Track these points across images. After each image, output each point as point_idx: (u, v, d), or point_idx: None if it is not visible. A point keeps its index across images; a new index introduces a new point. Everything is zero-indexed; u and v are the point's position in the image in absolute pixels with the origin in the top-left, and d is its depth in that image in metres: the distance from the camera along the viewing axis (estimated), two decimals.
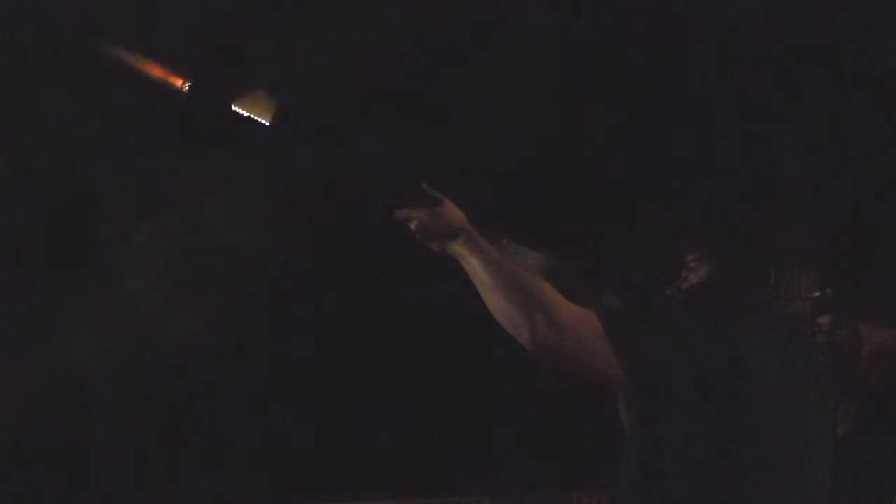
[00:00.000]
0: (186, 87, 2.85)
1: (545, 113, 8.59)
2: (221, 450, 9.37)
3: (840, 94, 8.47)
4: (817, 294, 3.16)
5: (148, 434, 9.19)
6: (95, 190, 8.94)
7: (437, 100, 8.78)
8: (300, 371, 9.32)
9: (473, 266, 2.59)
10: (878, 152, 8.57)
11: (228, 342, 8.90)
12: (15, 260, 8.86)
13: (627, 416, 2.75)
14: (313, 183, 8.67)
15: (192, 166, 8.84)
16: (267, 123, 3.02)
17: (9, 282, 8.85)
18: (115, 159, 8.92)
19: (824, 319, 3.18)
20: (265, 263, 8.80)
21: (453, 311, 9.60)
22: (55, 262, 8.89)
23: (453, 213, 2.66)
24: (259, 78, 8.95)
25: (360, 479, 9.18)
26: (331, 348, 9.30)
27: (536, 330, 2.47)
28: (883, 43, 8.42)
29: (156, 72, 2.75)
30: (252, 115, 2.91)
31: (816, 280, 2.62)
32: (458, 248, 2.63)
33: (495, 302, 2.56)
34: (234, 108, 2.95)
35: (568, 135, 8.75)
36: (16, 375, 8.74)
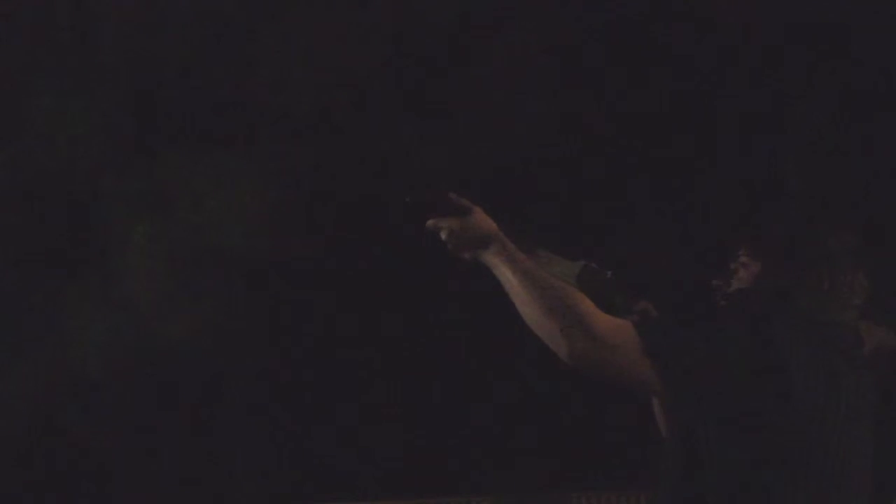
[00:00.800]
0: None
1: (569, 116, 8.59)
2: (222, 450, 9.37)
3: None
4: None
5: (147, 433, 9.19)
6: (95, 190, 8.94)
7: (453, 102, 8.77)
8: (301, 372, 9.33)
9: (506, 276, 2.54)
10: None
11: (228, 342, 8.91)
12: (15, 260, 8.86)
13: (664, 421, 2.73)
14: (322, 184, 8.68)
15: (192, 166, 8.85)
16: None
17: (9, 282, 8.85)
18: (115, 159, 8.93)
19: None
20: (265, 263, 8.81)
21: (454, 313, 9.62)
22: (55, 262, 8.89)
23: (484, 221, 2.61)
24: (262, 77, 8.97)
25: (360, 479, 9.18)
26: (332, 349, 9.30)
27: (573, 342, 2.43)
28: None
29: None
30: None
31: (868, 287, 2.58)
32: (490, 258, 2.58)
33: (530, 313, 2.52)
34: None
35: (601, 140, 8.74)
36: (16, 375, 8.75)
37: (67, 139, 8.82)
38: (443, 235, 2.56)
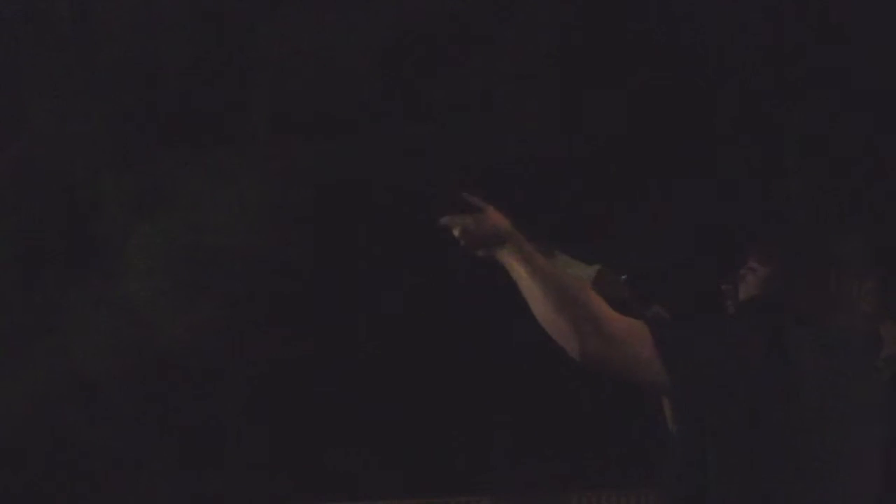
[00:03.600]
0: None
1: (575, 117, 8.58)
2: (221, 450, 9.37)
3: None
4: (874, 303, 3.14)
5: (147, 434, 9.19)
6: (95, 190, 8.95)
7: (457, 99, 8.78)
8: (300, 371, 9.32)
9: (521, 274, 2.52)
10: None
11: (228, 342, 8.91)
12: (15, 260, 8.86)
13: (673, 418, 2.72)
14: (322, 184, 8.69)
15: (192, 166, 8.85)
16: None
17: (9, 282, 8.85)
18: (115, 159, 8.93)
19: None
20: (265, 263, 8.80)
21: (453, 312, 9.62)
22: (55, 262, 8.89)
23: (498, 219, 2.58)
24: (260, 76, 8.96)
25: (360, 479, 9.18)
26: (331, 349, 9.30)
27: (585, 341, 2.41)
28: None
29: None
30: None
31: (876, 290, 2.58)
32: (505, 256, 2.55)
33: (543, 311, 2.49)
34: None
35: (614, 140, 8.73)
36: (16, 375, 8.75)
37: (67, 139, 8.82)
38: (455, 233, 2.54)
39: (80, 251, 8.95)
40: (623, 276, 2.84)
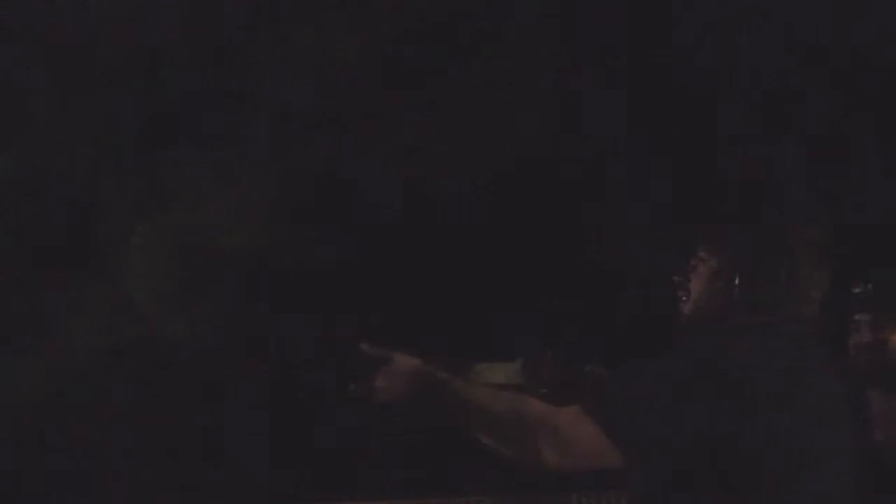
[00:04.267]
0: None
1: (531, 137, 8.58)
2: (222, 450, 9.37)
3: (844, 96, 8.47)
4: (857, 290, 3.12)
5: (148, 434, 9.19)
6: (95, 190, 8.94)
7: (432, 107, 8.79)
8: (301, 371, 9.32)
9: (453, 411, 2.49)
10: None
11: (228, 342, 8.90)
12: (15, 260, 8.86)
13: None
14: (322, 183, 8.69)
15: (192, 166, 8.84)
16: None
17: (9, 282, 8.85)
18: (116, 159, 8.93)
19: (865, 317, 3.11)
20: (265, 263, 8.80)
21: (454, 312, 9.61)
22: (55, 262, 8.89)
23: (407, 363, 2.54)
24: (258, 77, 8.96)
25: (360, 479, 9.17)
26: (330, 348, 9.30)
27: (541, 454, 2.38)
28: (882, 44, 8.42)
29: None
30: None
31: (829, 281, 2.55)
32: (430, 400, 2.53)
33: (489, 437, 2.46)
34: None
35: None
36: (14, 376, 8.74)
37: (67, 139, 8.82)
38: (375, 398, 2.48)
39: (79, 251, 8.95)
40: (549, 354, 2.82)
